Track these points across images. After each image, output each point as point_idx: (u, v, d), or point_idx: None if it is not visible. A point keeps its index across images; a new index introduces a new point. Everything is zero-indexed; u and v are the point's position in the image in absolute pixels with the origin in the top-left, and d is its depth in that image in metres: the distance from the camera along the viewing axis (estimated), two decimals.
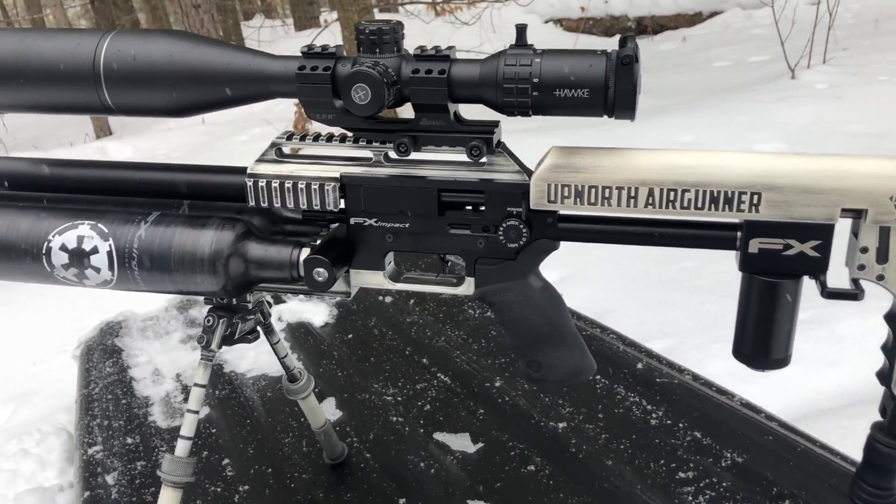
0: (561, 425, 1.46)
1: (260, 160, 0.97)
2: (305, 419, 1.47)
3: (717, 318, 2.49)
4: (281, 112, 6.70)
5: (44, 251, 0.99)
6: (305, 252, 0.95)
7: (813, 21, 5.16)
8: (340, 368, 1.80)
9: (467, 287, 0.97)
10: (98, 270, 0.98)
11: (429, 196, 0.93)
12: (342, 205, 0.96)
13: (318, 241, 0.96)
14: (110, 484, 1.47)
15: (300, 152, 0.98)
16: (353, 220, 0.97)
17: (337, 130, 0.95)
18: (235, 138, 6.62)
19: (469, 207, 0.95)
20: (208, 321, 1.06)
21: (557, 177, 0.86)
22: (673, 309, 2.61)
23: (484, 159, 0.90)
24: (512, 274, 0.95)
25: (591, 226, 0.91)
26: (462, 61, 0.86)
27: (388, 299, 2.13)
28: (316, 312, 2.12)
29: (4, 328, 3.38)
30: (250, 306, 1.10)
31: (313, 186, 0.94)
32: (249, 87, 0.92)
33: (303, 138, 0.97)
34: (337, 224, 0.99)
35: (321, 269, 0.93)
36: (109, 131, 8.24)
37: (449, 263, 1.01)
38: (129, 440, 1.62)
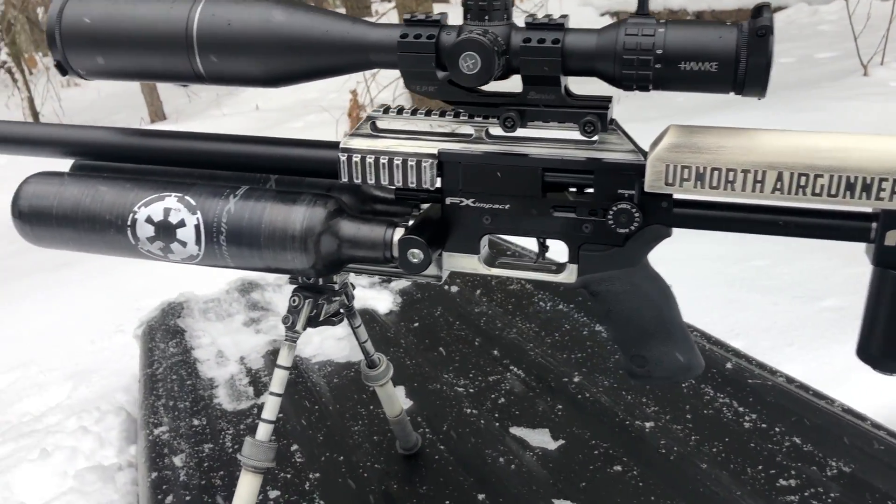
0: (648, 425, 1.39)
1: (354, 134, 0.92)
2: (375, 407, 1.44)
3: (791, 320, 2.39)
4: (334, 100, 6.69)
5: (129, 223, 0.96)
6: (400, 232, 0.90)
7: (887, 17, 4.96)
8: (408, 357, 1.75)
9: (569, 275, 0.91)
10: (184, 245, 0.95)
11: (532, 176, 0.88)
12: (438, 183, 0.91)
13: (412, 222, 0.91)
14: (178, 465, 1.45)
15: (396, 127, 0.93)
16: (448, 200, 0.92)
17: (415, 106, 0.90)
18: (290, 125, 6.64)
19: (573, 189, 0.89)
20: (294, 301, 1.02)
21: (677, 157, 0.80)
22: (744, 309, 2.51)
23: (595, 137, 0.84)
24: (620, 262, 0.88)
25: (709, 212, 0.85)
26: (577, 30, 0.80)
27: (454, 289, 2.08)
28: (380, 300, 2.08)
29: (64, 306, 3.42)
30: (336, 287, 1.05)
31: (409, 163, 0.89)
32: (348, 56, 0.87)
33: (400, 112, 0.92)
34: (430, 204, 0.94)
35: (416, 251, 0.88)
36: (164, 116, 8.35)
37: (549, 249, 0.95)
38: (196, 422, 1.60)
